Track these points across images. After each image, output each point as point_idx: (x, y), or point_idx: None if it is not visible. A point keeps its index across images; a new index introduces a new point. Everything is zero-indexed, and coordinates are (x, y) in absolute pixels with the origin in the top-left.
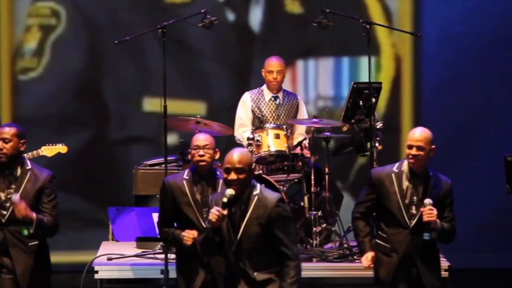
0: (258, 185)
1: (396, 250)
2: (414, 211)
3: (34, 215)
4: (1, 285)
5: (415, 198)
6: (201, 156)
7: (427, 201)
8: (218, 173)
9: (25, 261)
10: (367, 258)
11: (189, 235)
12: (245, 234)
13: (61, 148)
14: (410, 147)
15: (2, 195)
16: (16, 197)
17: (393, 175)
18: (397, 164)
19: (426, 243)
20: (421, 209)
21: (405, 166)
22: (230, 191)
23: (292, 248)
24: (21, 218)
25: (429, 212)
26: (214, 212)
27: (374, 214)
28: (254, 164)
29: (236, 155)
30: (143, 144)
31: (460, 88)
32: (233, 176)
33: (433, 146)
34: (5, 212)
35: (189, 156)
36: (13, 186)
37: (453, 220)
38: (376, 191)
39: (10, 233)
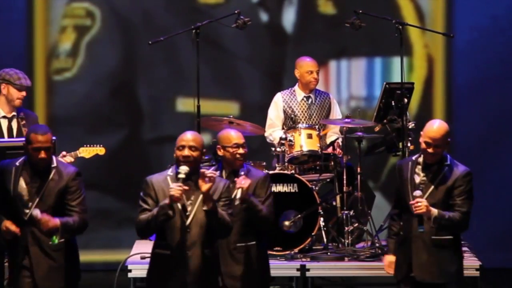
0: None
1: (407, 237)
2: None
3: (58, 222)
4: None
5: (422, 185)
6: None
7: (417, 193)
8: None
9: (45, 261)
10: (386, 261)
11: (177, 187)
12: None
13: (99, 150)
14: (428, 144)
15: (25, 193)
16: (36, 212)
17: (410, 163)
18: (418, 154)
19: (439, 232)
20: (410, 202)
21: (422, 157)
22: (185, 167)
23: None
24: (45, 230)
25: (417, 205)
26: (176, 188)
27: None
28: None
29: (190, 135)
30: None
31: (492, 88)
32: (187, 152)
33: (448, 140)
34: (27, 211)
35: (220, 153)
36: (35, 185)
37: (462, 207)
38: (399, 181)
39: (31, 232)
